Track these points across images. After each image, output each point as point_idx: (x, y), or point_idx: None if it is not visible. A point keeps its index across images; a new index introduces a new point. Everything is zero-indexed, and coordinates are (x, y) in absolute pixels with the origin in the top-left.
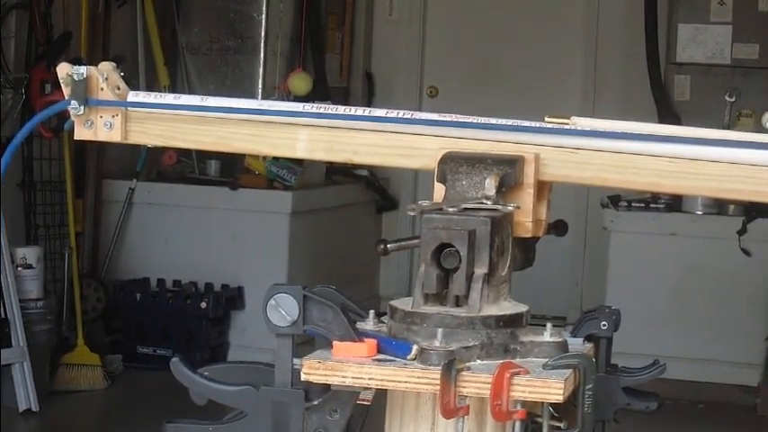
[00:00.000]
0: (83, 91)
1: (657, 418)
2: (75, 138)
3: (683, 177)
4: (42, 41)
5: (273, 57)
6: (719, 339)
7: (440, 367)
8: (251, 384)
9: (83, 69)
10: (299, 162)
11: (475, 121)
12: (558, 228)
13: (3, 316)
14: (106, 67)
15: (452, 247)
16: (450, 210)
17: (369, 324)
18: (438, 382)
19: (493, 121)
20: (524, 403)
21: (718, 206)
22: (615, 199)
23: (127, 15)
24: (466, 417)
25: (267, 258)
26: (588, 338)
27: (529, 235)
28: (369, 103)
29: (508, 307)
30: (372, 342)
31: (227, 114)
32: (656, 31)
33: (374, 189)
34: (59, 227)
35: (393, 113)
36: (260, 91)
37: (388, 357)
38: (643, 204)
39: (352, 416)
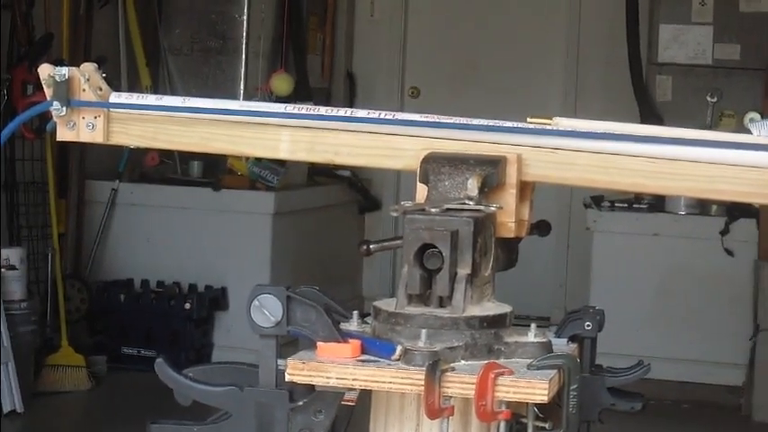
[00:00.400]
0: (65, 92)
1: (642, 418)
2: (57, 139)
3: (666, 178)
4: (24, 42)
5: (255, 58)
6: (704, 339)
7: (424, 368)
8: (235, 385)
9: (64, 70)
10: (281, 163)
11: (457, 121)
12: (540, 228)
13: None
14: (88, 68)
15: (435, 247)
16: (433, 210)
17: (352, 325)
18: (422, 382)
19: (475, 121)
20: (509, 404)
21: (701, 206)
22: (598, 199)
23: (108, 16)
24: (451, 417)
25: (250, 259)
26: (572, 339)
27: (512, 235)
28: (350, 103)
29: (492, 307)
30: (356, 343)
31: (209, 115)
32: (637, 31)
33: (357, 190)
34: (42, 228)
35: (375, 114)
36: (242, 92)
37: (372, 358)
38: (626, 205)
39: (336, 416)
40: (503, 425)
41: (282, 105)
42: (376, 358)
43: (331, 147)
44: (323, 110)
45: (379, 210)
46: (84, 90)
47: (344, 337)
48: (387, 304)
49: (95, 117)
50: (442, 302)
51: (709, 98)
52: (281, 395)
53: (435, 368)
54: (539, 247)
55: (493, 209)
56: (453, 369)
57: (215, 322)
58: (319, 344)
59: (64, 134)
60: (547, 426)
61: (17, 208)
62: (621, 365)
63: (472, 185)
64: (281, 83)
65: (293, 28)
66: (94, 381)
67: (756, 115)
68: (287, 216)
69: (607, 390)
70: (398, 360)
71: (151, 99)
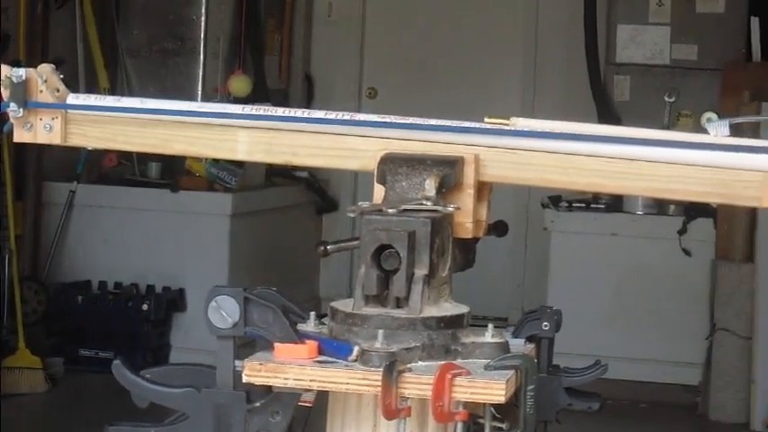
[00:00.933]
0: (22, 93)
1: (599, 418)
2: (14, 140)
3: (624, 177)
4: None
5: (213, 59)
6: (661, 339)
7: (381, 369)
8: (193, 386)
9: (21, 72)
10: (239, 164)
11: (414, 122)
12: (498, 228)
13: None
14: (45, 69)
15: (392, 248)
16: (390, 211)
17: (309, 326)
18: (379, 383)
19: (432, 121)
20: (466, 404)
21: (659, 206)
22: (556, 199)
23: (66, 18)
24: (407, 418)
25: (208, 260)
26: (530, 339)
27: (469, 236)
28: (308, 104)
29: (449, 308)
30: (313, 344)
31: (167, 117)
32: (595, 31)
33: (314, 190)
34: None
35: (332, 115)
36: (200, 93)
37: (330, 359)
38: (584, 204)
39: (293, 417)
40: (460, 425)
41: (240, 107)
42: (333, 359)
43: (289, 148)
44: (281, 111)
45: (337, 210)
46: (41, 91)
47: (301, 338)
48: (344, 305)
49: (53, 118)
50: (399, 303)
51: (666, 98)
52: (239, 396)
53: (392, 369)
54: (496, 247)
55: (450, 209)
56: (410, 370)
57: (173, 323)
58: (276, 345)
59: (21, 135)
60: (504, 426)
61: None
62: (579, 365)
63: (429, 186)
64: (239, 84)
65: (251, 29)
66: (51, 383)
67: (713, 115)
68: (245, 217)
69: (564, 390)
70: (355, 361)
71: (109, 100)
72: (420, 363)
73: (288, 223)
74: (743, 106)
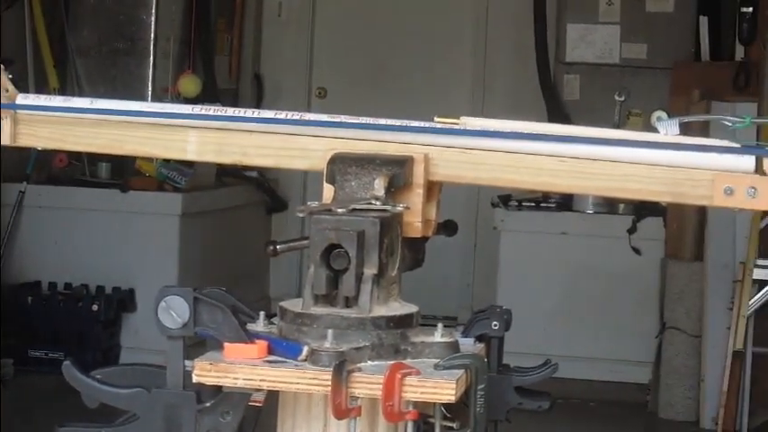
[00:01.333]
0: None
1: (549, 417)
2: None
3: (575, 177)
4: None
5: (163, 59)
6: (610, 338)
7: (331, 368)
8: (143, 387)
9: None
10: (189, 164)
11: (363, 121)
12: (447, 228)
13: None
14: None
15: (342, 247)
16: (339, 211)
17: (259, 325)
18: (329, 383)
19: (382, 121)
20: (416, 404)
21: (609, 205)
22: (505, 198)
23: (15, 18)
24: (358, 417)
25: (158, 260)
26: (479, 338)
27: (418, 235)
28: (258, 104)
29: (398, 308)
30: (263, 343)
31: (117, 117)
32: (545, 31)
33: (264, 190)
34: None
35: (282, 115)
36: (150, 93)
37: (280, 359)
38: (534, 204)
39: (244, 417)
40: (410, 425)
41: (190, 107)
42: (283, 359)
43: (238, 148)
44: (230, 111)
45: (286, 210)
46: None
47: (251, 337)
48: (293, 305)
49: (2, 119)
50: (348, 303)
51: (616, 97)
52: (189, 396)
53: (342, 369)
54: (446, 246)
55: (399, 209)
56: (360, 369)
57: (123, 324)
58: (226, 345)
59: None
60: (454, 425)
61: None
62: (529, 365)
63: (379, 185)
64: (189, 84)
65: (201, 29)
66: (1, 384)
67: (663, 114)
68: (195, 217)
69: (514, 389)
70: (305, 361)
71: (59, 101)
72: (370, 362)
73: (237, 223)
74: (692, 105)
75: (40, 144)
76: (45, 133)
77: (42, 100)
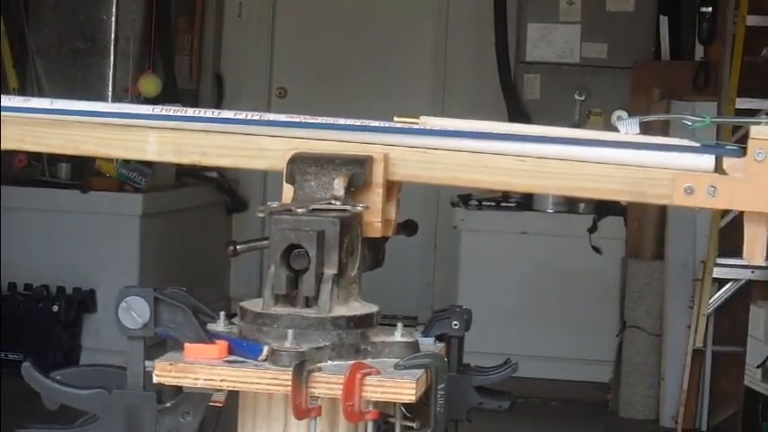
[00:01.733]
0: None
1: (510, 416)
2: None
3: (535, 176)
4: None
5: (123, 59)
6: (571, 337)
7: (291, 368)
8: (103, 387)
9: None
10: (149, 164)
11: (323, 121)
12: (407, 227)
13: None
14: None
15: (302, 247)
16: (299, 211)
17: (220, 326)
18: (289, 383)
19: (341, 121)
20: (377, 404)
21: (569, 204)
22: (465, 198)
23: None
24: (318, 417)
25: (118, 261)
26: (440, 338)
27: (378, 235)
28: (218, 104)
29: (358, 307)
30: (223, 344)
31: (76, 117)
32: (505, 30)
33: (224, 190)
34: None
35: (242, 115)
36: (110, 93)
37: (240, 359)
38: (494, 203)
39: (204, 418)
40: (370, 425)
41: (150, 107)
42: (243, 359)
43: (198, 148)
44: (190, 111)
45: (246, 210)
46: None
47: (212, 338)
48: (253, 305)
49: None
50: (308, 303)
51: (576, 96)
52: (149, 397)
53: (302, 368)
54: (406, 246)
55: (359, 209)
56: (320, 369)
57: (83, 324)
58: (186, 345)
59: None
60: (415, 425)
61: None
62: (489, 364)
63: (338, 185)
64: (149, 84)
65: (161, 29)
66: None
67: (624, 113)
68: (155, 217)
69: (475, 389)
70: (265, 361)
71: (18, 101)
72: (330, 362)
73: (198, 223)
74: (653, 104)
75: None
76: (4, 134)
77: (2, 100)
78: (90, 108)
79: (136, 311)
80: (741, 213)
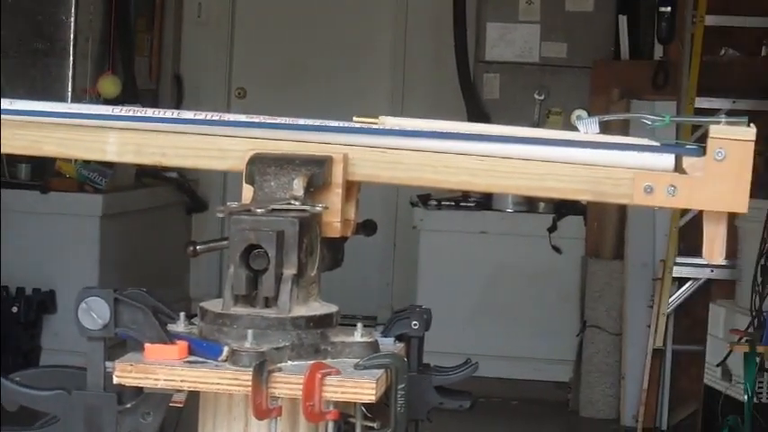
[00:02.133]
0: None
1: (471, 416)
2: None
3: (495, 176)
4: None
5: (83, 59)
6: (531, 336)
7: (251, 368)
8: (63, 389)
9: None
10: (108, 165)
11: (283, 121)
12: (366, 227)
13: None
14: None
15: (261, 248)
16: (259, 211)
17: (180, 326)
18: (249, 383)
19: (301, 121)
20: (337, 404)
21: (529, 204)
22: (425, 198)
23: None
24: (279, 418)
25: (78, 261)
26: (399, 338)
27: (337, 235)
28: (178, 105)
29: (318, 307)
30: (183, 344)
31: (36, 118)
32: (464, 29)
33: (184, 191)
34: None
35: (201, 115)
36: (69, 94)
37: (200, 359)
38: (453, 203)
39: (165, 418)
40: (331, 425)
41: (110, 107)
42: (203, 359)
43: (158, 148)
44: (150, 112)
45: (206, 211)
46: None
47: (172, 338)
48: (213, 305)
49: None
50: (268, 303)
51: (536, 96)
52: (109, 398)
53: (262, 369)
54: (365, 246)
55: (318, 209)
56: (280, 369)
57: (43, 325)
58: (147, 346)
59: None
60: (375, 425)
61: None
62: (449, 364)
63: (298, 186)
64: (109, 85)
65: (121, 30)
66: None
67: (583, 113)
68: (115, 218)
69: (435, 388)
70: (225, 361)
71: None
72: (290, 362)
73: (158, 224)
74: (612, 104)
75: None
76: None
77: None
78: (50, 109)
79: (96, 312)
80: (700, 212)
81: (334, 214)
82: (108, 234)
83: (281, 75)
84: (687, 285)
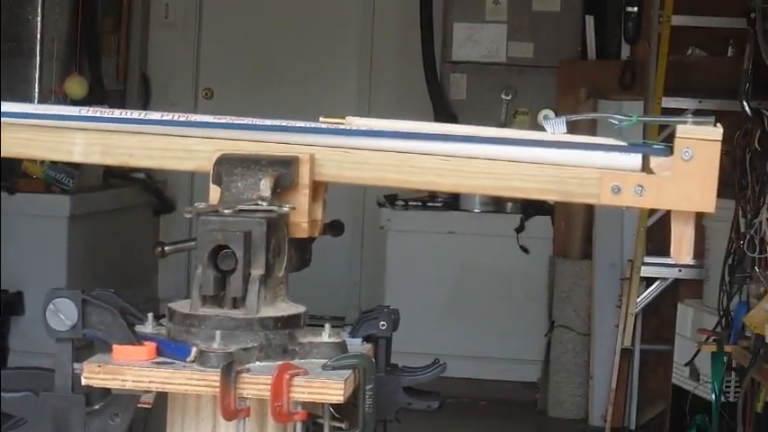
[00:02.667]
0: None
1: (439, 416)
2: None
3: (462, 176)
4: None
5: (49, 60)
6: (500, 336)
7: (219, 369)
8: (31, 390)
9: None
10: (76, 166)
11: (250, 122)
12: (334, 228)
13: None
14: None
15: (229, 248)
16: (226, 212)
17: (148, 327)
18: (218, 384)
19: (268, 122)
20: (305, 404)
21: (496, 204)
22: (392, 198)
23: None
24: (247, 418)
25: (46, 263)
26: (367, 338)
27: (305, 235)
28: (145, 105)
29: (286, 308)
30: (152, 345)
31: (2, 119)
32: (431, 30)
33: (151, 191)
34: None
35: (168, 116)
36: (36, 95)
37: (168, 360)
38: (420, 203)
39: (133, 419)
40: (299, 425)
41: (77, 108)
42: (171, 360)
43: (125, 149)
44: (117, 112)
45: (174, 211)
46: None
47: (140, 339)
48: (181, 306)
49: None
50: (236, 303)
51: (503, 96)
52: (78, 399)
53: (230, 369)
54: (332, 246)
55: (286, 209)
56: (248, 370)
57: (11, 327)
58: (115, 347)
59: None
60: (343, 426)
61: None
62: (417, 364)
63: (265, 186)
64: (76, 86)
65: (87, 30)
66: None
67: (550, 112)
68: (82, 219)
69: (403, 389)
70: (193, 362)
71: None
72: (258, 363)
73: (125, 224)
74: (579, 104)
75: None
76: None
77: None
78: (17, 110)
79: (64, 313)
80: (668, 212)
81: (302, 215)
82: (76, 235)
83: (248, 75)
84: (655, 285)
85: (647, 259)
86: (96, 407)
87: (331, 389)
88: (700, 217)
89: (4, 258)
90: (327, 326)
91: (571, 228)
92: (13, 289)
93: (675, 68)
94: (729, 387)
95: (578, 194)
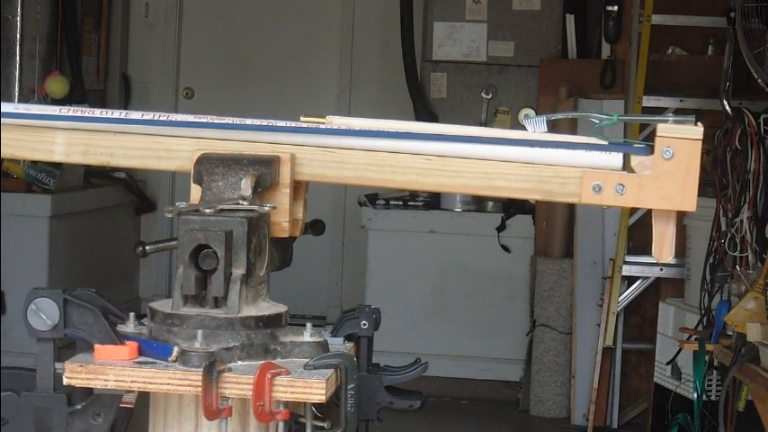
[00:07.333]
0: None
1: (421, 415)
2: None
3: (442, 175)
4: None
5: (30, 59)
6: (481, 336)
7: (200, 369)
8: (12, 390)
9: None
10: (57, 165)
11: (230, 122)
12: (315, 227)
13: None
14: None
15: (210, 248)
16: (207, 211)
17: (129, 326)
18: (199, 383)
19: (248, 121)
20: (287, 404)
21: (477, 203)
22: (372, 197)
23: None
24: (229, 418)
25: (27, 262)
26: (349, 338)
27: (286, 235)
28: (125, 105)
29: (267, 307)
30: (133, 345)
31: None
32: (411, 29)
33: (132, 191)
34: None
35: (149, 116)
36: (17, 94)
37: (150, 360)
38: (401, 202)
39: (115, 419)
40: (281, 425)
41: (58, 108)
42: (153, 360)
43: (106, 149)
44: (98, 112)
45: (155, 211)
46: None
47: (121, 339)
48: (163, 305)
49: None
50: (217, 303)
51: (483, 95)
52: (59, 399)
53: (212, 369)
54: (314, 246)
55: (267, 209)
56: (230, 370)
57: None
58: (96, 346)
59: None
60: (325, 425)
61: None
62: (399, 364)
63: (246, 185)
64: (56, 85)
65: (68, 29)
66: None
67: (531, 111)
68: (64, 218)
69: (385, 388)
70: (175, 361)
71: None
72: (240, 362)
73: (106, 224)
74: (560, 103)
75: None
76: None
77: None
78: None
79: (45, 313)
80: (649, 211)
81: (283, 214)
82: (57, 235)
83: (228, 75)
84: (636, 284)
85: (629, 258)
86: (78, 407)
87: (313, 388)
88: (681, 216)
89: None
90: (309, 325)
91: (552, 227)
92: None
93: (656, 67)
94: (711, 386)
95: (559, 193)
